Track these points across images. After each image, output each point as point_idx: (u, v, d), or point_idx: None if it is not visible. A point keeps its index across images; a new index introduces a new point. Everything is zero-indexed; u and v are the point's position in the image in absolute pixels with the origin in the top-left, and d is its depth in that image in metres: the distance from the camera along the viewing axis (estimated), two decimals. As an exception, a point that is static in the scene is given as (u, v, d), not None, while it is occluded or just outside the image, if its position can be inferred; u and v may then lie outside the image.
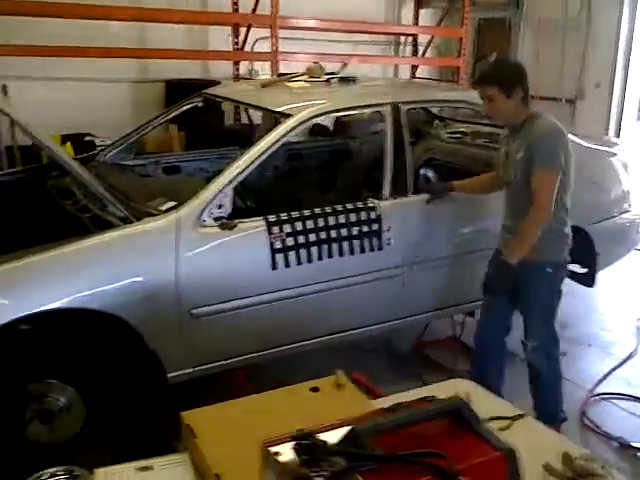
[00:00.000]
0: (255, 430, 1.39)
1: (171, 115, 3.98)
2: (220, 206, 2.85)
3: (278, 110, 3.13)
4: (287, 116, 3.03)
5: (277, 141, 2.96)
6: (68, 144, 6.75)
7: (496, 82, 2.75)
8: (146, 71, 6.96)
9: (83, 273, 2.61)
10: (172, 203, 2.97)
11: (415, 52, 8.28)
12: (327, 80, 3.60)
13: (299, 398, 1.83)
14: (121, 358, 2.80)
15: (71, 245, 2.63)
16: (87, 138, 7.00)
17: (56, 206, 3.27)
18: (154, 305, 2.71)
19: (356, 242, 3.07)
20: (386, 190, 3.20)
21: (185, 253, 2.74)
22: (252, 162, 2.91)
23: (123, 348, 2.78)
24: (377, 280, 3.18)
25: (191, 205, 2.80)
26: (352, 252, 3.06)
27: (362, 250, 3.08)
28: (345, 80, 3.59)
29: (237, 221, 2.86)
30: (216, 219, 2.83)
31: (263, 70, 7.02)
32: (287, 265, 2.92)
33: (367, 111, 3.43)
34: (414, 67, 8.10)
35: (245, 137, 5.63)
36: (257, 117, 7.02)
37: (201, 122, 6.20)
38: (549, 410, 2.94)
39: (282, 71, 6.58)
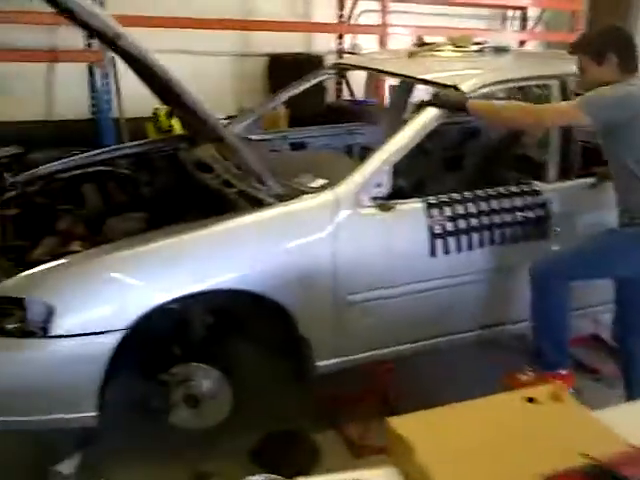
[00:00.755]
0: (481, 444, 1.33)
1: (300, 88, 3.77)
2: (378, 185, 2.63)
3: (438, 81, 2.87)
4: (449, 87, 2.77)
5: (440, 115, 2.70)
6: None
7: (586, 50, 2.55)
8: (248, 44, 6.80)
9: (237, 253, 2.44)
10: (322, 180, 2.77)
11: (524, 26, 7.81)
12: (479, 50, 3.31)
13: (514, 409, 1.61)
14: (269, 344, 2.65)
15: (225, 223, 2.46)
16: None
17: (192, 180, 3.13)
18: (310, 289, 2.52)
19: (520, 229, 2.80)
20: (552, 172, 2.91)
21: (343, 235, 2.54)
22: (413, 137, 2.67)
23: (271, 333, 2.62)
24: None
25: (349, 183, 2.59)
26: (515, 240, 2.79)
27: (526, 238, 2.81)
28: (499, 50, 3.29)
29: (395, 202, 2.63)
30: (374, 199, 2.61)
31: (366, 45, 6.75)
32: (446, 252, 2.68)
33: (535, 83, 3.12)
34: (521, 43, 7.64)
35: (352, 114, 5.40)
36: (361, 92, 6.83)
37: (303, 99, 6.02)
38: None
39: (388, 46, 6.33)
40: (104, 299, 2.28)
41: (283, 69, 6.41)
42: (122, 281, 2.30)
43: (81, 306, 2.26)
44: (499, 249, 2.77)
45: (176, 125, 6.75)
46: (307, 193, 2.59)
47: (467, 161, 4.25)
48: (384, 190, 2.63)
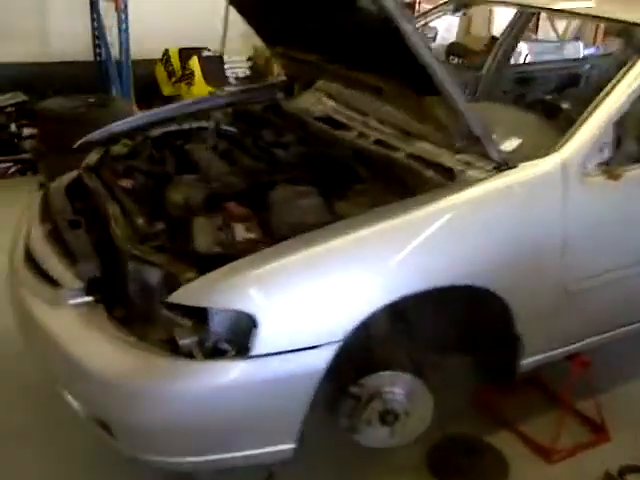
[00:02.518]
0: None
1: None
2: (601, 149, 2.15)
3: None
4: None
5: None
6: (195, 59, 5.95)
7: None
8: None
9: (458, 242, 1.93)
10: (516, 140, 2.27)
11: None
12: None
13: None
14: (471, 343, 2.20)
15: (441, 203, 1.94)
16: (206, 53, 6.19)
17: (327, 140, 2.57)
18: (533, 279, 2.06)
19: None
20: None
21: (573, 211, 2.06)
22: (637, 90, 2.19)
23: (479, 331, 2.16)
24: None
25: (574, 146, 2.09)
26: None
27: None
28: None
29: (624, 168, 2.17)
30: (599, 165, 2.14)
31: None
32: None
33: None
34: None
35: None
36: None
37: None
38: None
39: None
40: (318, 305, 1.76)
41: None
42: (339, 280, 1.78)
43: (289, 315, 1.73)
44: None
45: (195, 68, 6.05)
46: (524, 160, 2.07)
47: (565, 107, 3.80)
48: (607, 154, 2.15)
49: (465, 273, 1.93)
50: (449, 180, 2.08)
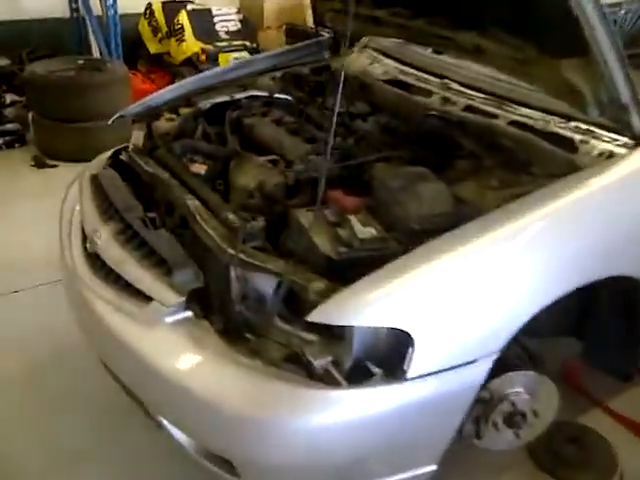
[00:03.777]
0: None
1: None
2: None
3: None
4: None
5: None
6: (183, 13, 5.45)
7: None
8: None
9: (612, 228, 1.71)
10: None
11: None
12: None
13: None
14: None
15: (583, 186, 1.69)
16: (191, 6, 5.70)
17: (407, 107, 2.28)
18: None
19: None
20: None
21: None
22: None
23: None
24: None
25: None
26: None
27: None
28: None
29: None
30: None
31: None
32: None
33: None
34: None
35: None
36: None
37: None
38: None
39: None
40: (476, 315, 1.51)
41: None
42: (500, 284, 1.53)
43: (447, 329, 1.48)
44: None
45: (185, 23, 5.54)
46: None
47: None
48: None
49: (620, 264, 1.71)
50: (571, 153, 1.84)
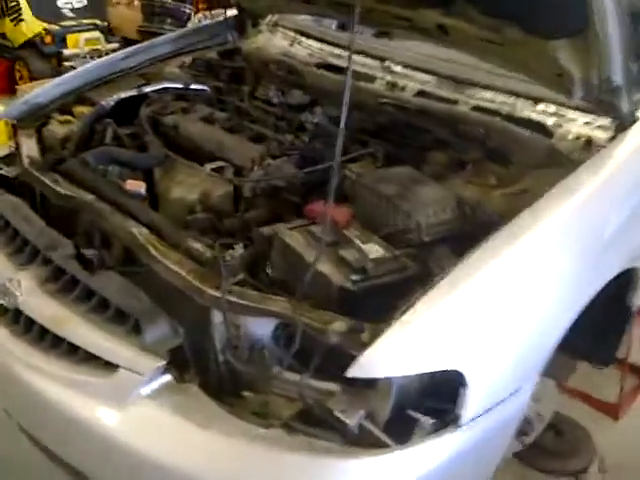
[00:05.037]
0: None
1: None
2: None
3: None
4: None
5: None
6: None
7: None
8: None
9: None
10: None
11: None
12: None
13: None
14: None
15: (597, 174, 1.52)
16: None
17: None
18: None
19: None
20: None
21: None
22: None
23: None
24: None
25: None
26: None
27: None
28: None
29: None
30: None
31: None
32: None
33: None
34: None
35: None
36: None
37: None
38: None
39: None
40: (518, 341, 1.30)
41: None
42: (537, 302, 1.33)
43: (495, 363, 1.26)
44: None
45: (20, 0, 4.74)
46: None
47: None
48: None
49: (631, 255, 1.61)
50: (548, 137, 1.71)
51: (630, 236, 1.60)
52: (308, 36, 2.37)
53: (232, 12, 2.48)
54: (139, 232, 1.44)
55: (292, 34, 2.41)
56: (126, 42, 4.83)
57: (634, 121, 1.66)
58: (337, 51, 2.23)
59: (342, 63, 2.15)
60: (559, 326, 1.38)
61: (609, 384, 2.32)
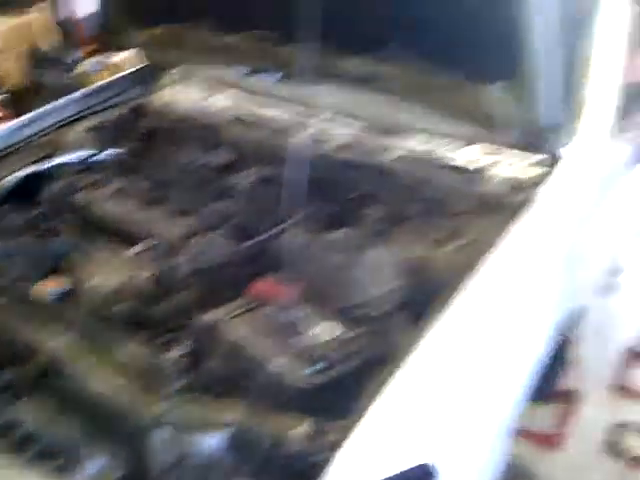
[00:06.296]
0: None
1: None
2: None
3: None
4: None
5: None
6: None
7: None
8: None
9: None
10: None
11: None
12: None
13: None
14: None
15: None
16: None
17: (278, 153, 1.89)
18: None
19: None
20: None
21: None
22: None
23: None
24: None
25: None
26: None
27: None
28: None
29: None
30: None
31: None
32: None
33: None
34: None
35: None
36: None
37: None
38: None
39: None
40: (488, 428, 1.22)
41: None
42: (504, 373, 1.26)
43: (465, 454, 1.17)
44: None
45: None
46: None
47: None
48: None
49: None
50: (479, 181, 1.66)
51: (571, 274, 1.57)
52: (225, 86, 2.23)
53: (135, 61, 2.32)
54: (58, 344, 1.26)
55: (207, 85, 2.26)
56: (13, 94, 4.49)
57: (564, 158, 1.65)
58: (260, 101, 2.11)
59: (266, 114, 2.04)
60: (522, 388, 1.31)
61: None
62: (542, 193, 1.56)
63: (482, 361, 1.23)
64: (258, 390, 1.16)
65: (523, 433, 2.20)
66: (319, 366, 1.18)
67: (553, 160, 1.63)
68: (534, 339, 1.39)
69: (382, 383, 1.11)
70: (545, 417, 2.25)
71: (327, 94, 1.95)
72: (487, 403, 1.22)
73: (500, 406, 1.26)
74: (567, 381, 2.21)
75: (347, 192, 1.73)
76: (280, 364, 1.19)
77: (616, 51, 1.86)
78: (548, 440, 2.26)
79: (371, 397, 1.10)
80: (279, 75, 2.04)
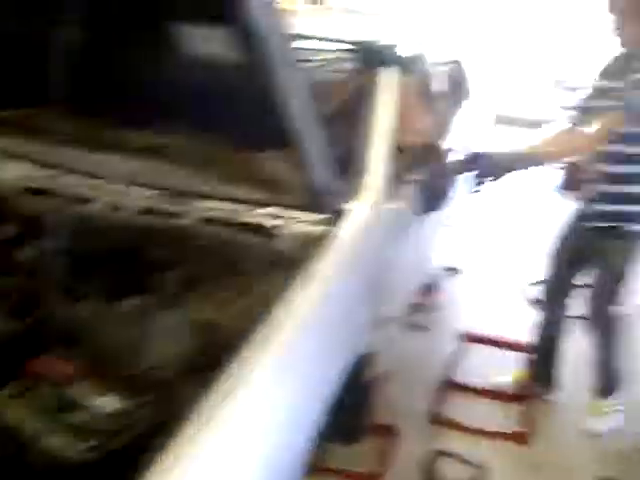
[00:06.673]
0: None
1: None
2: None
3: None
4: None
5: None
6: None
7: None
8: None
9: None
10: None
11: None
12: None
13: None
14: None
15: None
16: None
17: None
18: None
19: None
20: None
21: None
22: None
23: None
24: None
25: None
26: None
27: None
28: None
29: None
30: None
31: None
32: None
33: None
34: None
35: None
36: None
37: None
38: None
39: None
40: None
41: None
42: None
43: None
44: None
45: None
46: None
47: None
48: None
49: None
50: (269, 239, 1.77)
51: (358, 321, 1.69)
52: (17, 158, 2.17)
53: None
54: None
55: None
56: None
57: (346, 216, 1.80)
58: (51, 172, 2.08)
59: (51, 185, 2.01)
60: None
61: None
62: (325, 247, 1.70)
63: (266, 419, 1.28)
64: (33, 469, 1.13)
65: (343, 474, 2.34)
66: (92, 442, 1.18)
67: (335, 218, 1.79)
68: (318, 385, 1.48)
69: (157, 453, 1.13)
70: (365, 455, 2.36)
71: (117, 165, 1.98)
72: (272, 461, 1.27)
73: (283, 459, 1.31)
74: (381, 417, 2.35)
75: (144, 257, 1.76)
76: (58, 442, 1.17)
77: (389, 122, 2.09)
78: (370, 478, 2.33)
79: (146, 468, 1.11)
80: (72, 147, 2.04)
